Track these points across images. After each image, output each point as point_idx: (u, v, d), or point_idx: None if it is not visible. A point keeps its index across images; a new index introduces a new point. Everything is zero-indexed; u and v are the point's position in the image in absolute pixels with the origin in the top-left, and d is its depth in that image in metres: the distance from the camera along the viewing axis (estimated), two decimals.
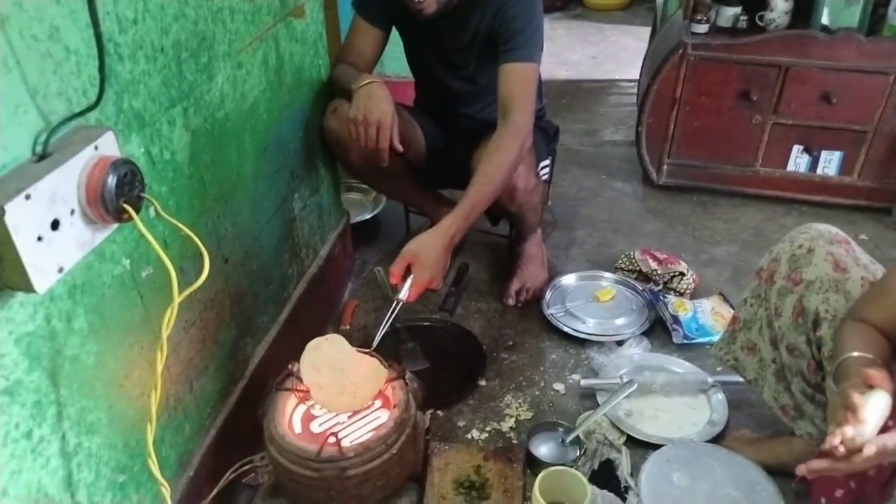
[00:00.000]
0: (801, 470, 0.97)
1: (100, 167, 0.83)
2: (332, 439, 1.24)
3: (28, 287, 0.76)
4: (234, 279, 1.36)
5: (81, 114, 0.84)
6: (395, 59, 2.52)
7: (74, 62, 0.84)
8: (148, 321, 1.07)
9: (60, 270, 0.83)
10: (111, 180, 0.83)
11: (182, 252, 1.13)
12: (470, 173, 1.57)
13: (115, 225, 0.89)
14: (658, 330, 1.84)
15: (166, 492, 0.98)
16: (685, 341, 1.76)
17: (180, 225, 0.89)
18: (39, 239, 0.77)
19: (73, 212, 0.82)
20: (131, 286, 1.03)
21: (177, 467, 1.22)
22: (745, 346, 1.38)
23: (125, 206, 0.85)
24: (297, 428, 1.31)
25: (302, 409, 1.34)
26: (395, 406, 1.30)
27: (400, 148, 1.61)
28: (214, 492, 1.27)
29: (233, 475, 1.31)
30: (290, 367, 1.35)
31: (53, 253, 0.80)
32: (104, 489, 1.01)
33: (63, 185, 0.80)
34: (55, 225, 0.79)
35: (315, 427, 1.31)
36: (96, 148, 0.84)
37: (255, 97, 1.36)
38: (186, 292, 0.88)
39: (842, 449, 0.89)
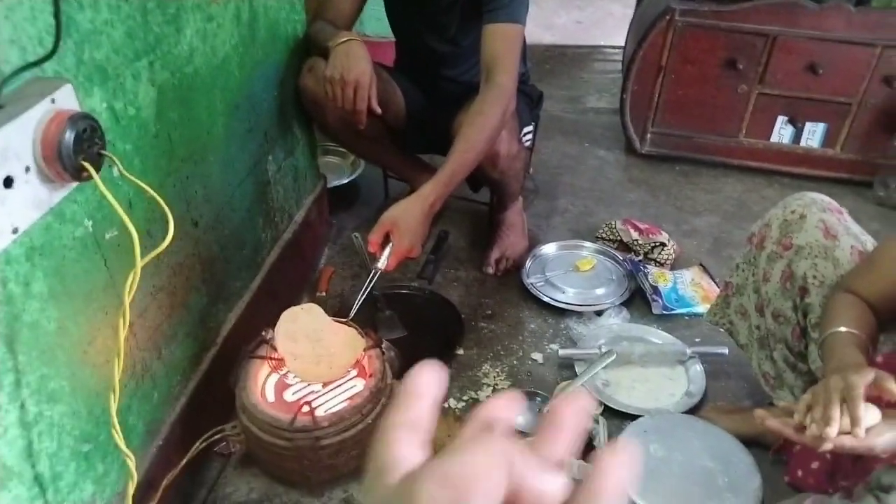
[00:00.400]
0: (758, 414, 0.98)
1: (56, 121, 0.77)
2: (305, 408, 1.21)
3: None
4: (205, 243, 1.31)
5: (36, 63, 0.78)
6: (376, 17, 2.46)
7: (28, 7, 0.78)
8: (112, 286, 1.02)
9: (15, 231, 0.78)
10: (69, 136, 0.78)
11: (148, 214, 1.08)
12: (451, 138, 1.52)
13: (74, 184, 0.84)
14: (638, 300, 1.83)
15: (131, 462, 0.94)
16: (664, 312, 1.75)
17: (144, 185, 0.84)
18: None
19: (27, 169, 0.77)
20: (94, 249, 0.98)
21: (145, 436, 1.19)
22: (738, 310, 1.39)
23: (84, 163, 0.80)
24: (271, 396, 1.28)
25: (275, 377, 1.31)
26: (370, 375, 1.28)
27: (378, 110, 1.56)
28: (184, 461, 1.24)
29: (203, 444, 1.28)
30: (263, 334, 1.32)
31: (6, 212, 0.75)
32: (67, 458, 0.97)
33: (16, 139, 0.74)
34: (8, 182, 0.74)
35: (289, 396, 1.28)
36: (53, 101, 0.79)
37: (227, 52, 1.30)
38: (150, 256, 0.84)
39: (813, 432, 0.88)
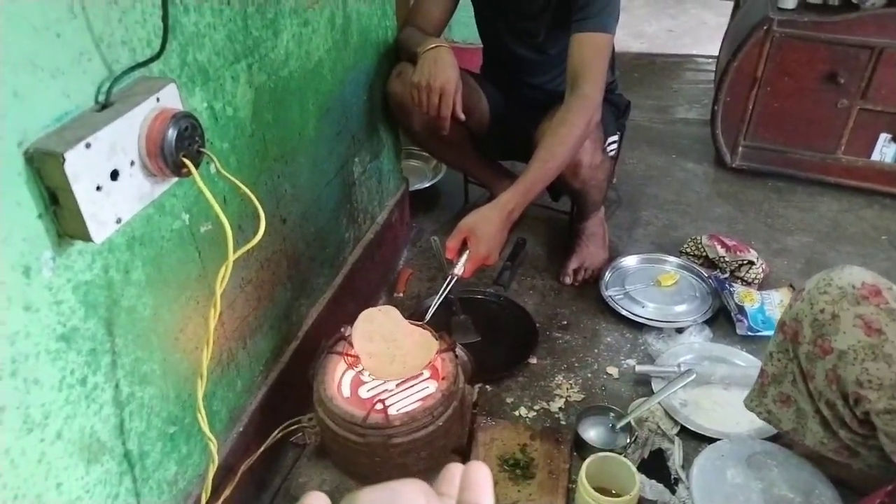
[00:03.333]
0: None
1: (161, 119, 0.82)
2: (378, 406, 1.23)
3: (86, 236, 0.77)
4: (292, 240, 1.36)
5: (145, 64, 0.83)
6: (464, 23, 2.48)
7: (140, 11, 0.83)
8: (205, 277, 1.07)
9: (119, 221, 0.83)
10: (171, 133, 0.82)
11: (240, 210, 1.13)
12: (533, 146, 1.52)
13: (175, 179, 0.88)
14: (721, 319, 1.76)
15: (213, 447, 0.99)
16: (749, 333, 1.68)
17: (239, 183, 0.88)
18: (98, 189, 0.77)
19: (132, 163, 0.82)
20: (189, 241, 1.03)
21: (227, 422, 1.24)
22: (778, 399, 1.27)
23: (185, 160, 0.85)
24: (346, 392, 1.31)
25: (351, 373, 1.34)
26: (443, 378, 1.28)
27: (462, 117, 1.57)
28: (262, 448, 1.29)
29: (280, 434, 1.33)
30: (342, 330, 1.35)
31: (112, 203, 0.80)
32: (154, 439, 1.02)
33: (124, 135, 0.79)
34: (114, 175, 0.79)
35: (363, 393, 1.31)
36: (158, 100, 0.83)
37: (320, 56, 1.34)
38: (242, 250, 0.88)
39: None
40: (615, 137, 1.85)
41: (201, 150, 0.88)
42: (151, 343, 0.98)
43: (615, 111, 1.85)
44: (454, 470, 0.35)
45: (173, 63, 0.92)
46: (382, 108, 1.71)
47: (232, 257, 0.85)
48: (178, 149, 0.84)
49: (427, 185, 2.24)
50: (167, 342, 1.01)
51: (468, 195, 2.23)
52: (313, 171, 1.40)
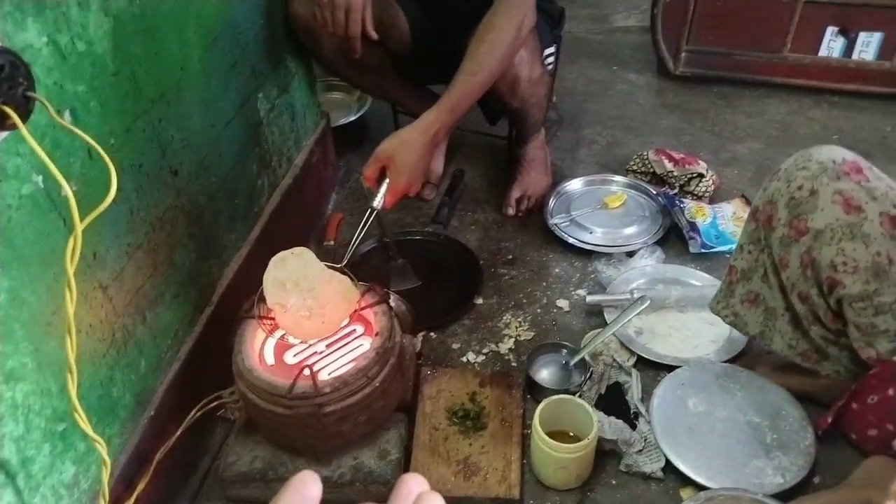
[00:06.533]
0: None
1: None
2: (306, 372, 1.10)
3: None
4: (188, 193, 1.18)
5: None
6: None
7: None
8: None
9: None
10: None
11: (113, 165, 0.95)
12: None
13: (1, 134, 0.71)
14: (673, 238, 1.67)
15: (102, 448, 0.85)
16: (703, 250, 1.59)
17: (78, 131, 0.71)
18: None
19: None
20: (48, 208, 0.86)
21: (134, 407, 1.09)
22: (745, 298, 1.19)
23: (5, 108, 0.67)
24: (270, 359, 1.18)
25: (276, 337, 1.20)
26: (377, 334, 1.16)
27: (374, 35, 1.39)
28: (179, 430, 1.15)
29: (200, 413, 1.19)
30: (261, 291, 1.20)
31: None
32: (39, 441, 0.88)
33: None
34: None
35: (289, 358, 1.18)
36: None
37: None
38: (91, 216, 0.71)
39: None
40: (551, 49, 1.69)
41: (29, 94, 0.70)
42: (14, 333, 0.82)
43: (549, 20, 1.68)
44: (409, 483, 0.34)
45: None
46: (286, 33, 1.51)
47: (80, 226, 0.69)
48: None
49: (352, 118, 2.05)
50: (36, 330, 0.85)
51: (399, 127, 2.06)
52: (206, 111, 1.21)
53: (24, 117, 0.69)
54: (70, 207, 0.68)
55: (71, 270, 0.70)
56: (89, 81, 0.91)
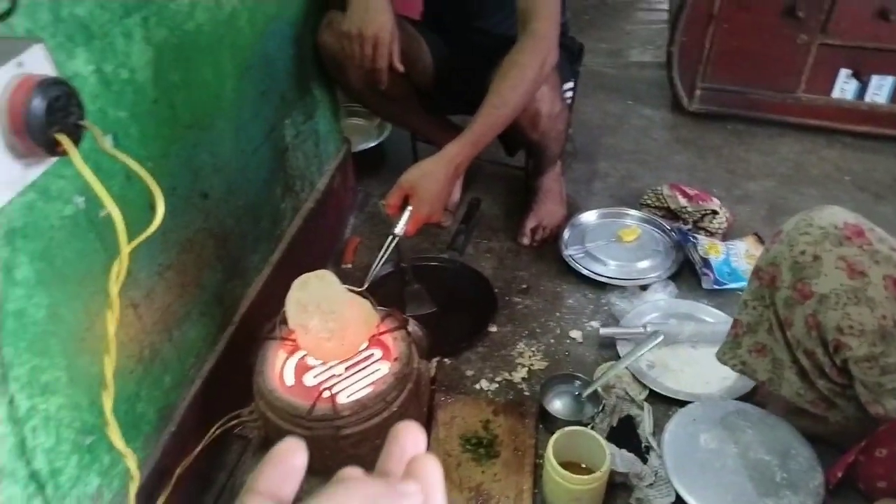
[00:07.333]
0: None
1: (24, 88, 0.67)
2: (326, 394, 1.12)
3: None
4: (217, 216, 1.21)
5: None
6: None
7: None
8: (111, 268, 0.93)
9: None
10: (38, 104, 0.67)
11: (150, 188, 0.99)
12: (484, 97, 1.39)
13: (52, 159, 0.74)
14: (686, 273, 1.69)
15: (132, 462, 0.87)
16: (716, 287, 1.61)
17: (126, 159, 0.74)
18: None
19: None
20: (87, 229, 0.89)
21: (157, 422, 1.12)
22: (753, 349, 1.20)
23: (58, 137, 0.70)
24: (290, 380, 1.19)
25: (296, 358, 1.23)
26: (395, 359, 1.18)
27: (400, 67, 1.43)
28: (200, 446, 1.17)
29: (219, 430, 1.21)
30: (282, 312, 1.23)
31: None
32: (68, 453, 0.90)
33: None
34: None
35: (309, 380, 1.19)
36: (20, 64, 0.68)
37: (234, 6, 1.18)
38: (138, 240, 0.74)
39: None
40: (570, 84, 1.73)
41: (79, 122, 0.73)
42: (51, 348, 0.85)
43: (569, 56, 1.72)
44: (402, 439, 0.32)
45: (43, 19, 0.77)
46: (314, 62, 1.55)
47: (126, 249, 0.72)
48: (49, 123, 0.69)
49: (372, 144, 2.09)
50: (71, 346, 0.88)
51: (417, 154, 2.09)
52: (237, 137, 1.25)
53: (75, 144, 0.73)
54: (117, 229, 0.71)
55: (115, 291, 0.73)
56: (131, 108, 0.94)
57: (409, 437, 0.32)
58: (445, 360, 1.49)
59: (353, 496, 0.27)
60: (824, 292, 1.02)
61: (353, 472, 0.30)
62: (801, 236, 1.05)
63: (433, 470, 0.30)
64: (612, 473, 1.19)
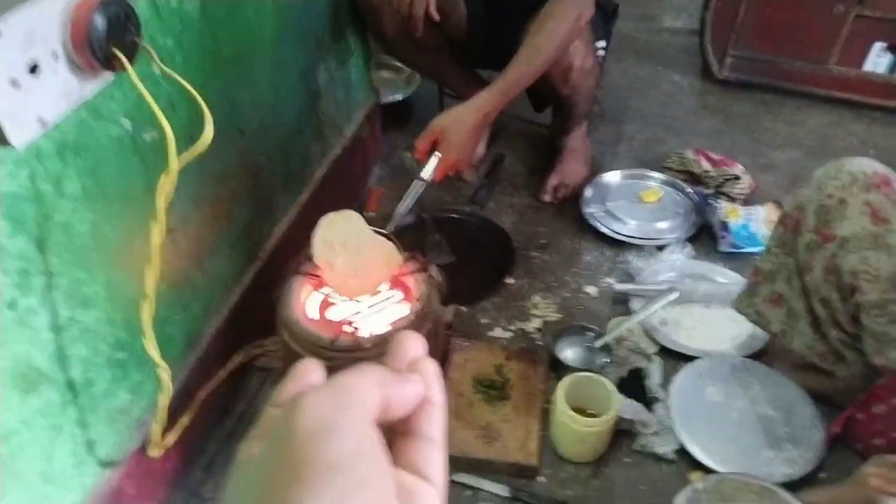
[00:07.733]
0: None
1: (86, 5, 0.71)
2: (348, 328, 1.17)
3: (2, 139, 0.67)
4: (250, 153, 1.25)
5: None
6: None
7: None
8: (151, 190, 0.96)
9: (43, 124, 0.73)
10: (100, 20, 0.71)
11: (191, 116, 1.02)
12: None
13: (108, 76, 0.78)
14: (704, 237, 1.71)
15: (166, 375, 0.92)
16: (732, 250, 1.63)
17: (180, 79, 0.78)
18: (14, 84, 0.67)
19: (55, 56, 0.71)
20: (132, 150, 0.93)
21: (184, 347, 1.17)
22: (769, 298, 1.23)
23: (116, 52, 0.74)
24: (313, 314, 1.24)
25: (319, 295, 1.27)
26: (416, 299, 1.22)
27: (436, 16, 1.44)
28: (222, 373, 1.23)
29: (243, 358, 1.26)
30: (308, 249, 1.27)
31: (32, 102, 0.70)
32: (101, 366, 0.95)
33: (42, 21, 0.69)
34: (33, 69, 0.69)
35: (332, 315, 1.24)
36: None
37: None
38: (186, 159, 0.78)
39: None
40: (603, 43, 1.73)
41: (136, 41, 0.77)
42: (92, 263, 0.89)
43: (603, 15, 1.72)
44: (405, 345, 0.34)
45: None
46: (350, 9, 1.57)
47: (176, 167, 0.76)
48: (108, 39, 0.73)
49: (399, 97, 2.11)
50: (111, 262, 0.93)
51: (444, 107, 2.11)
52: (273, 76, 1.28)
53: (130, 61, 0.76)
54: (168, 143, 0.74)
55: (162, 205, 0.77)
56: (177, 36, 0.98)
57: (411, 343, 0.34)
58: (462, 307, 1.53)
59: (366, 376, 0.30)
60: (846, 235, 1.04)
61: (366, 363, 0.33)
62: (830, 181, 1.08)
63: (432, 368, 0.33)
64: (619, 420, 1.23)
